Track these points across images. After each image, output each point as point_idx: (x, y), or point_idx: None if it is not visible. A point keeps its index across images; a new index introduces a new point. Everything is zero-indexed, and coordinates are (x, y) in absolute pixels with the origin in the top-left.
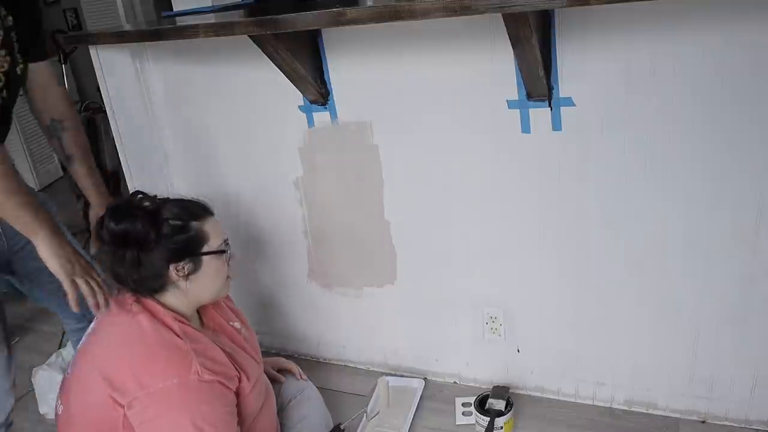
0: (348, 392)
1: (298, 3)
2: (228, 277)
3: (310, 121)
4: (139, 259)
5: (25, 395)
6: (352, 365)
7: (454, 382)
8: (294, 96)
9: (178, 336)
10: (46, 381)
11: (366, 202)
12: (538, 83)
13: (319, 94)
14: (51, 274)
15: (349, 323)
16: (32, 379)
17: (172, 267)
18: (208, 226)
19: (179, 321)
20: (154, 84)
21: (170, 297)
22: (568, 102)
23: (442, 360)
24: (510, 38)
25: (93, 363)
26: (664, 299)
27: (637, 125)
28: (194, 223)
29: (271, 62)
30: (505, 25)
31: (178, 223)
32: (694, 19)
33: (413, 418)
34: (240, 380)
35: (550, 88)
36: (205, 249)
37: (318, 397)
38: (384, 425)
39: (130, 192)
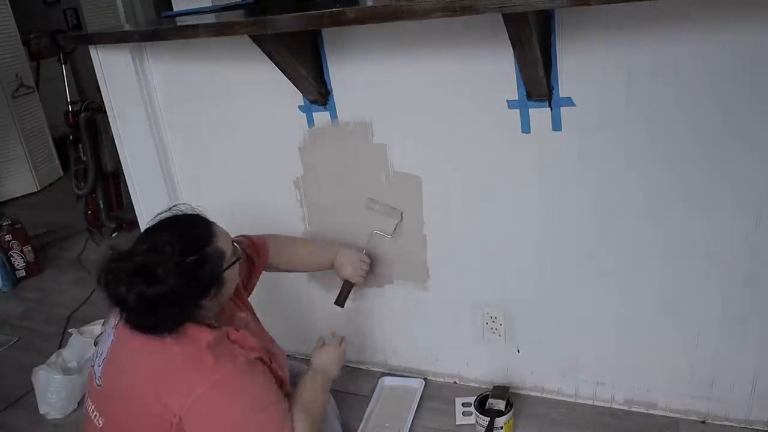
0: (348, 392)
1: (298, 3)
2: None
3: (310, 121)
4: (173, 310)
5: (25, 395)
6: (352, 365)
7: (454, 382)
8: (294, 96)
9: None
10: (45, 381)
11: (365, 202)
12: (538, 83)
13: (319, 94)
14: None
15: (349, 323)
16: (32, 379)
17: (203, 301)
18: (218, 241)
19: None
20: (153, 84)
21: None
22: (568, 102)
23: (442, 360)
24: (510, 38)
25: (135, 374)
26: (664, 299)
27: (637, 125)
28: (208, 249)
29: (271, 62)
30: (505, 25)
31: (195, 257)
32: (694, 19)
33: (413, 418)
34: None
35: (550, 88)
36: (225, 265)
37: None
38: (384, 425)
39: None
